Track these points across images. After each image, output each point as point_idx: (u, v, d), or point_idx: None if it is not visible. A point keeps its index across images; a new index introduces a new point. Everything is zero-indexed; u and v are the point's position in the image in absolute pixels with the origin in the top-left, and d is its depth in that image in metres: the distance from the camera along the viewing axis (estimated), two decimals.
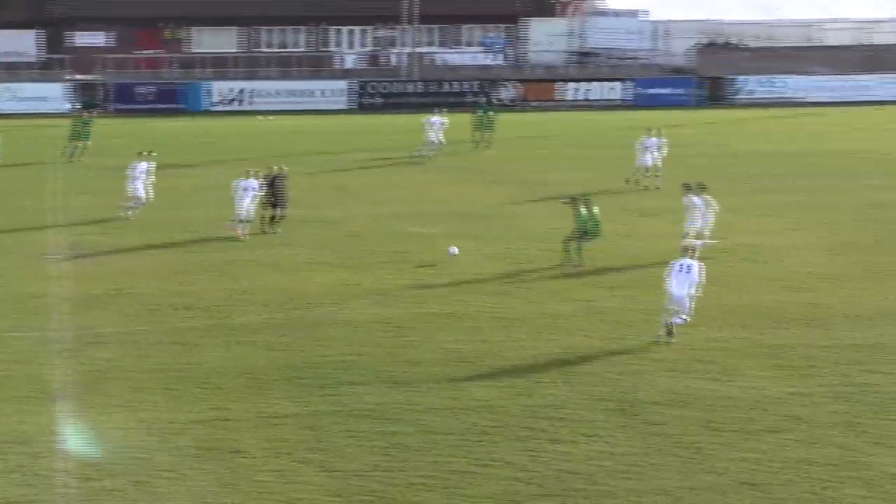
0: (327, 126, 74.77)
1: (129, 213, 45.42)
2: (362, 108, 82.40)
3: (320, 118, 78.91)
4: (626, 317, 32.68)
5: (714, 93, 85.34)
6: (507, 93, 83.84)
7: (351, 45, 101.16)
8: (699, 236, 37.52)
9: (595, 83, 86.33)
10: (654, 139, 52.66)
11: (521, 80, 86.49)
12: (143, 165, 46.14)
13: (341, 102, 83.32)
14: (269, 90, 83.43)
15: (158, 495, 21.70)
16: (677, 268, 30.21)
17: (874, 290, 35.18)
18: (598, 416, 25.42)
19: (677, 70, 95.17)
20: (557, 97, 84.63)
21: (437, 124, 60.85)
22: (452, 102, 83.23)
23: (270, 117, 76.95)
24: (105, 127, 68.39)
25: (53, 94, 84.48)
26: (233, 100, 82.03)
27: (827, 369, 28.31)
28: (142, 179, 45.84)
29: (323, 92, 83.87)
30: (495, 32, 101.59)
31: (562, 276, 36.96)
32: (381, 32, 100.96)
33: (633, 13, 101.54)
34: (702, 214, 36.84)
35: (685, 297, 30.00)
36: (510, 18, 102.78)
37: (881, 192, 50.74)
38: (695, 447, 23.72)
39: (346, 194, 50.07)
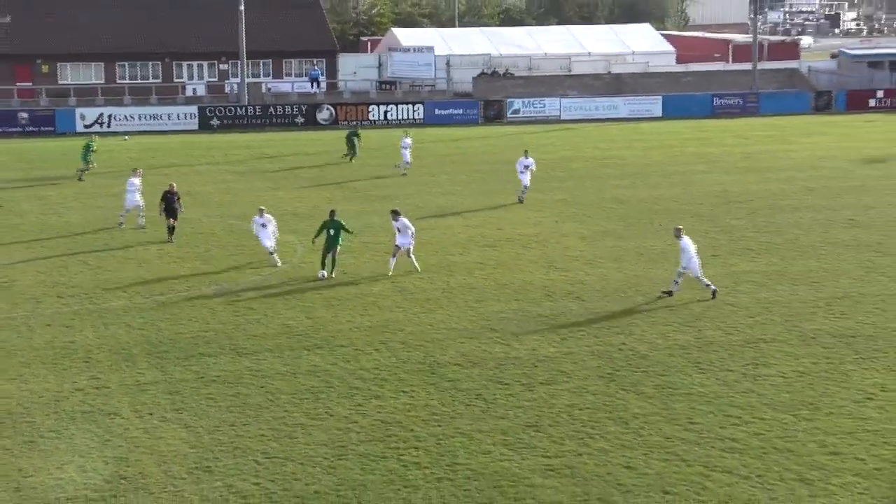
0: (176, 144, 73.32)
1: (141, 221, 42.76)
2: (206, 129, 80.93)
3: (171, 137, 77.35)
4: (430, 295, 32.75)
5: (489, 113, 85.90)
6: (323, 115, 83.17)
7: (197, 77, 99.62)
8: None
9: (397, 105, 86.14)
10: (531, 159, 48.93)
11: (336, 104, 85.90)
12: (136, 180, 43.14)
13: (188, 124, 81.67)
14: (128, 114, 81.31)
15: (46, 452, 21.15)
16: (689, 247, 31.55)
17: (621, 269, 35.85)
18: (410, 375, 25.45)
19: (463, 94, 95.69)
20: (371, 118, 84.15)
21: (407, 144, 57.82)
22: (278, 123, 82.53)
23: (126, 137, 75.00)
24: None
25: None
26: (97, 123, 79.69)
27: (588, 332, 28.78)
28: (135, 192, 42.81)
29: (172, 116, 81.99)
30: (318, 66, 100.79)
31: (376, 262, 36.82)
32: (220, 66, 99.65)
33: (428, 48, 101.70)
34: (412, 233, 36.39)
35: (698, 266, 31.76)
36: (325, 53, 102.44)
37: (623, 190, 51.68)
38: (486, 398, 23.90)
39: (195, 199, 49.04)
